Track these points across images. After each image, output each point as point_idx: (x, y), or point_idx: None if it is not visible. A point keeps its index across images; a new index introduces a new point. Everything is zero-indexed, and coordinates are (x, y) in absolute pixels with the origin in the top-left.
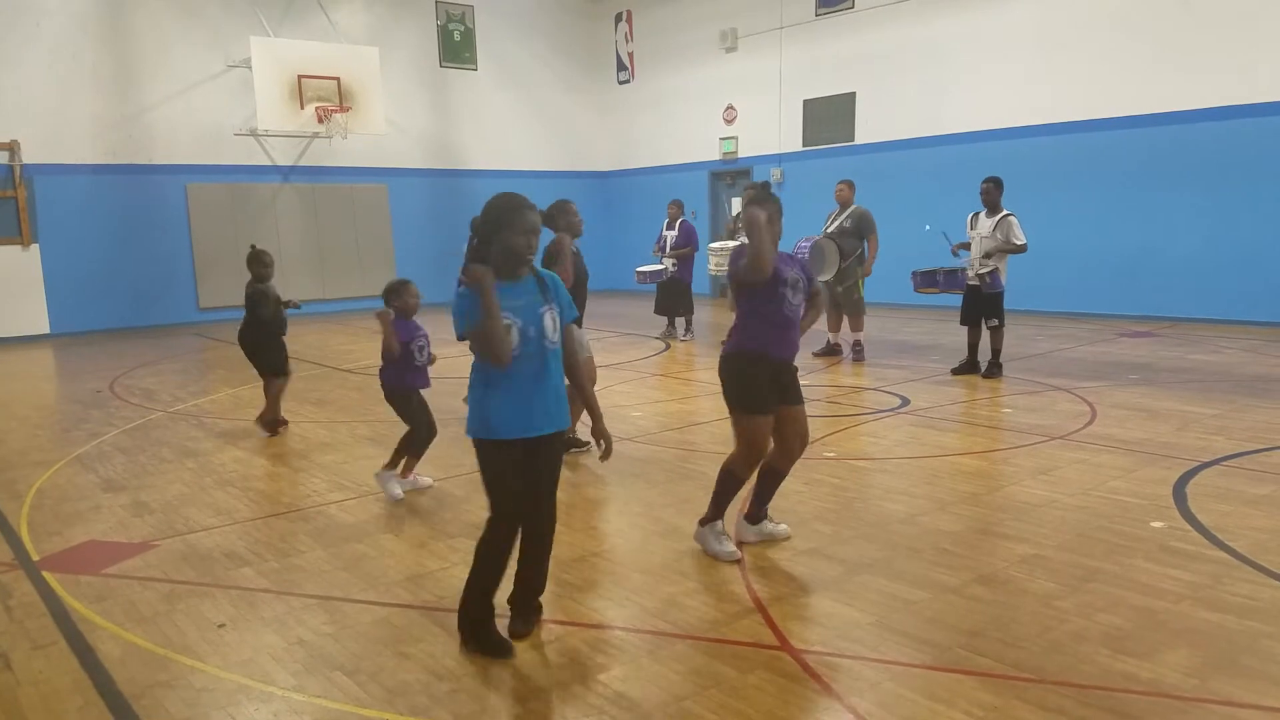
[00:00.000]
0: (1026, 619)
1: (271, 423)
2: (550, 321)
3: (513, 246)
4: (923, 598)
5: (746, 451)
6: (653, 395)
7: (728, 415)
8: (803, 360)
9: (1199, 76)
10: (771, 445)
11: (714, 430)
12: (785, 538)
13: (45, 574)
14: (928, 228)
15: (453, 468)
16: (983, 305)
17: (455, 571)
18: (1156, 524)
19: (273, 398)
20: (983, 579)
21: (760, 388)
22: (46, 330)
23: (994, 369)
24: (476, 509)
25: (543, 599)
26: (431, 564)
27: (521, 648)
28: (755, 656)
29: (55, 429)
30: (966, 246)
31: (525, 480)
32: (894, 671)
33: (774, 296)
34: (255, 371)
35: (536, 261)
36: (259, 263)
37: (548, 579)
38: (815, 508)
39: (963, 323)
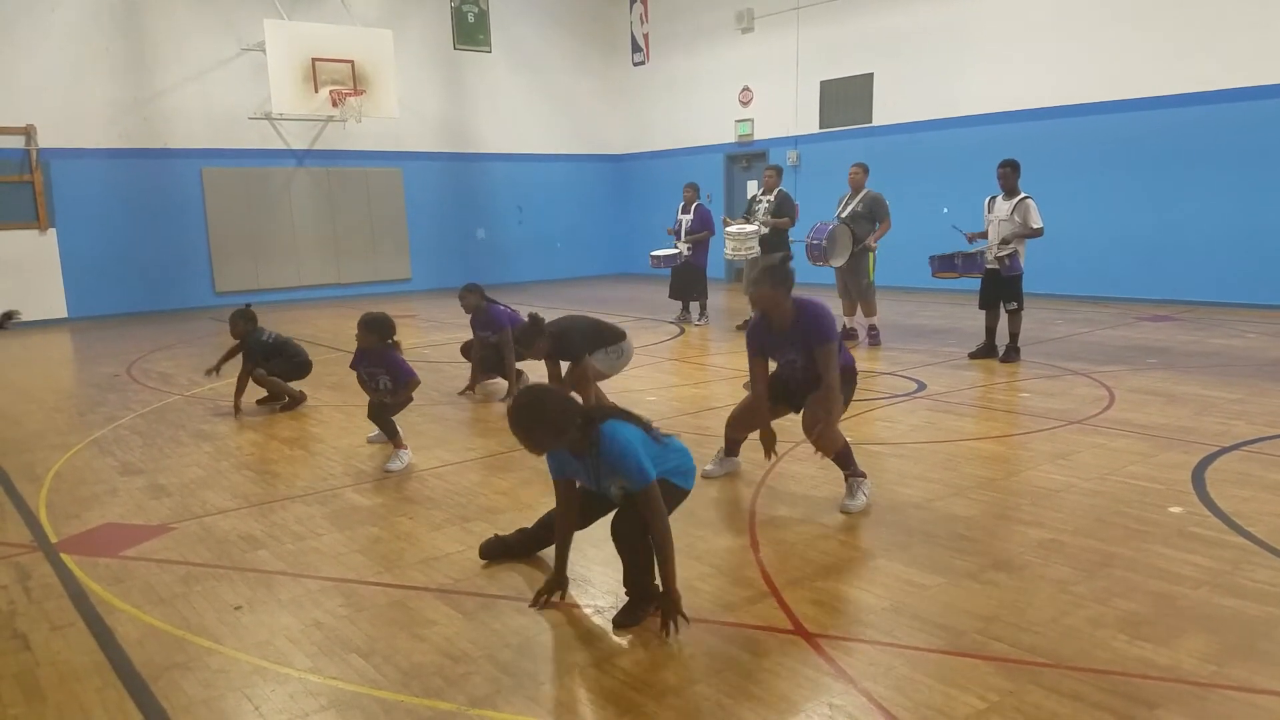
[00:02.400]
0: (1042, 604)
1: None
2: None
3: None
4: (938, 583)
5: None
6: (667, 380)
7: (731, 401)
8: None
9: (1219, 58)
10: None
11: (728, 415)
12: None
13: (64, 556)
14: (945, 210)
15: (466, 452)
16: (1001, 289)
17: (470, 555)
18: (1175, 509)
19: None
20: (999, 564)
21: None
22: (64, 314)
23: (1011, 353)
24: (490, 493)
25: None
26: (447, 547)
27: (536, 630)
28: (769, 640)
29: (73, 412)
30: (983, 236)
31: None
32: (908, 656)
33: None
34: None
35: None
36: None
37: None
38: (830, 492)
39: (981, 306)
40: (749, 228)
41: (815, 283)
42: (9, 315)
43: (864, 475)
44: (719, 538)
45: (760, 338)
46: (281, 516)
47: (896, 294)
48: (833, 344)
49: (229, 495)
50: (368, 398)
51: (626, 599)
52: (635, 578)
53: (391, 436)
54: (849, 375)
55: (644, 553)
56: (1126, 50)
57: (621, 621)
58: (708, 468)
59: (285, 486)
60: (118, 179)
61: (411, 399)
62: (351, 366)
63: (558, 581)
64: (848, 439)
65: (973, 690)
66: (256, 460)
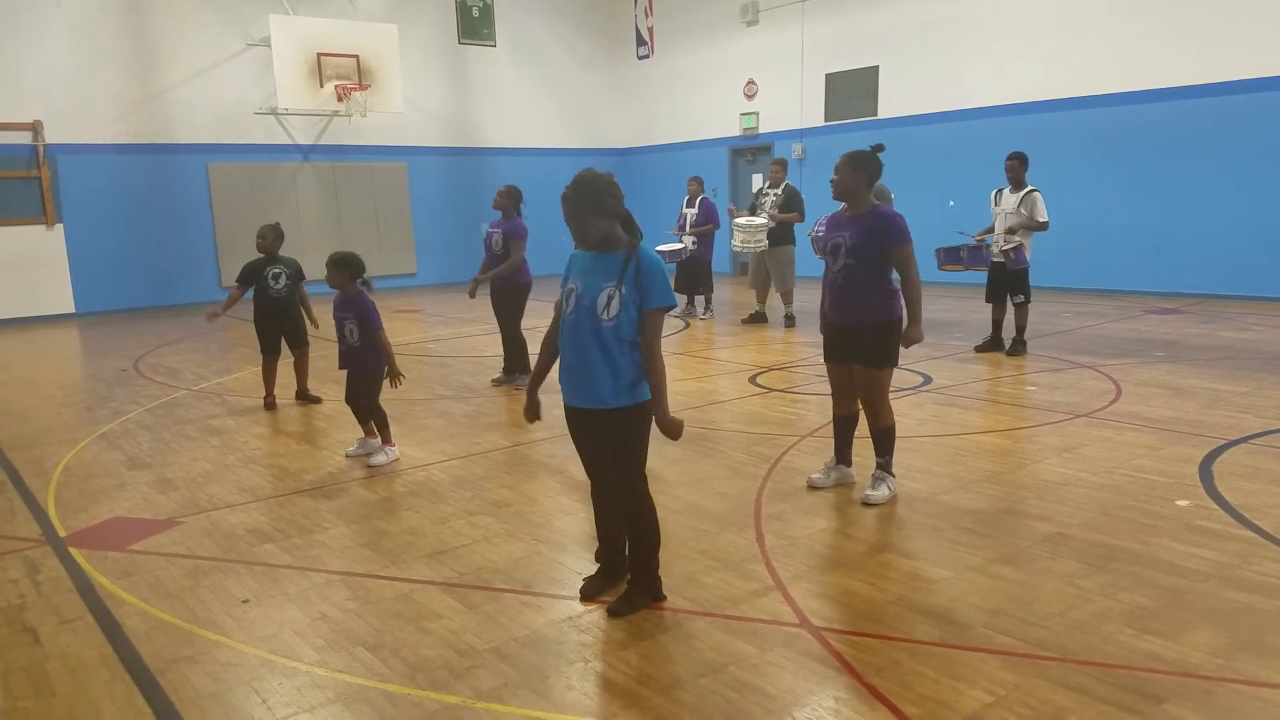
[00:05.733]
0: (1049, 598)
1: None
2: (605, 299)
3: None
4: (944, 576)
5: (887, 400)
6: (672, 374)
7: (737, 395)
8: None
9: (1226, 49)
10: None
11: (733, 409)
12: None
13: (72, 550)
14: (951, 203)
15: (472, 446)
16: (1008, 282)
17: (476, 549)
18: (1182, 502)
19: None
20: (1005, 558)
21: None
22: (71, 309)
23: (1018, 346)
24: (497, 487)
25: (573, 575)
26: (453, 540)
27: (543, 624)
28: (775, 634)
29: (80, 407)
30: (989, 231)
31: (578, 446)
32: (914, 650)
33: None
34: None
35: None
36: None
37: (643, 566)
38: (836, 486)
39: (988, 299)
40: (757, 220)
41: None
42: None
43: (894, 475)
44: (724, 532)
45: (833, 221)
46: (289, 510)
47: None
48: (908, 246)
49: (236, 489)
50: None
51: (627, 585)
52: (638, 558)
53: (381, 429)
54: (895, 328)
55: (646, 534)
56: (1133, 42)
57: (616, 610)
58: (815, 476)
59: (292, 480)
60: (124, 174)
61: (382, 373)
62: (334, 314)
63: (536, 410)
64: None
65: (979, 684)
66: (264, 454)
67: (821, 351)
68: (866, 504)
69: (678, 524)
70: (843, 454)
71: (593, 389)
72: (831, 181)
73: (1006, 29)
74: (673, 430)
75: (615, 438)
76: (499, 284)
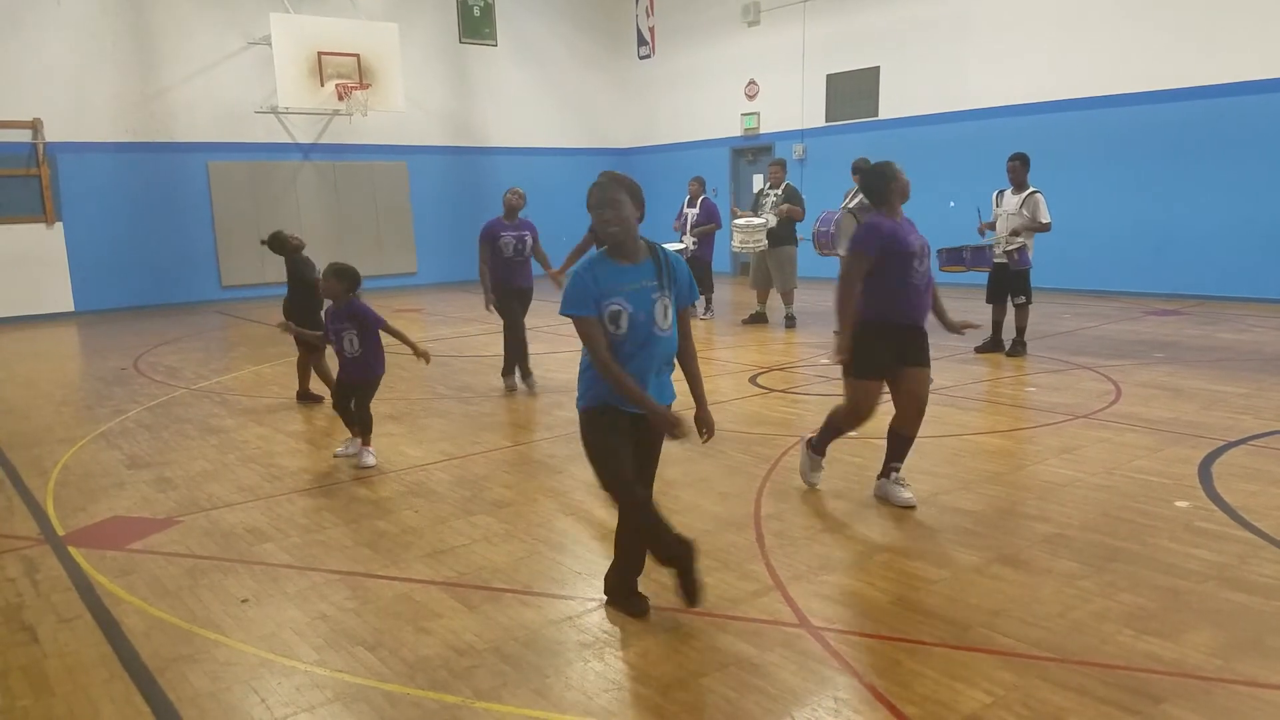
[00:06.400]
0: (1048, 598)
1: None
2: (662, 309)
3: (594, 227)
4: (944, 577)
5: (852, 410)
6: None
7: (737, 395)
8: (821, 337)
9: (1227, 51)
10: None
11: (733, 409)
12: (902, 505)
13: (71, 549)
14: (952, 204)
15: (471, 446)
16: (1009, 282)
17: (475, 548)
18: (1181, 504)
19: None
20: (1005, 558)
21: (875, 354)
22: (71, 308)
23: (1018, 347)
24: (497, 487)
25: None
26: (452, 540)
27: (542, 624)
28: (774, 634)
29: (80, 406)
30: (992, 227)
31: (628, 453)
32: (914, 650)
33: (905, 267)
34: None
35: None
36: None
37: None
38: (835, 486)
39: (989, 300)
40: (756, 220)
41: (822, 276)
42: None
43: (821, 455)
44: (724, 532)
45: (892, 229)
46: (288, 510)
47: None
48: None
49: (235, 488)
50: (379, 398)
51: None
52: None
53: (364, 433)
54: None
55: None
56: (1133, 43)
57: (697, 597)
58: (815, 477)
59: (291, 480)
60: (124, 173)
61: (379, 380)
62: (326, 326)
63: (677, 420)
64: (852, 435)
65: (979, 684)
66: (263, 454)
67: (821, 351)
68: (907, 506)
69: (678, 524)
70: (823, 449)
71: (664, 393)
72: (902, 184)
73: (1008, 30)
74: (709, 425)
75: (658, 437)
76: (522, 283)
